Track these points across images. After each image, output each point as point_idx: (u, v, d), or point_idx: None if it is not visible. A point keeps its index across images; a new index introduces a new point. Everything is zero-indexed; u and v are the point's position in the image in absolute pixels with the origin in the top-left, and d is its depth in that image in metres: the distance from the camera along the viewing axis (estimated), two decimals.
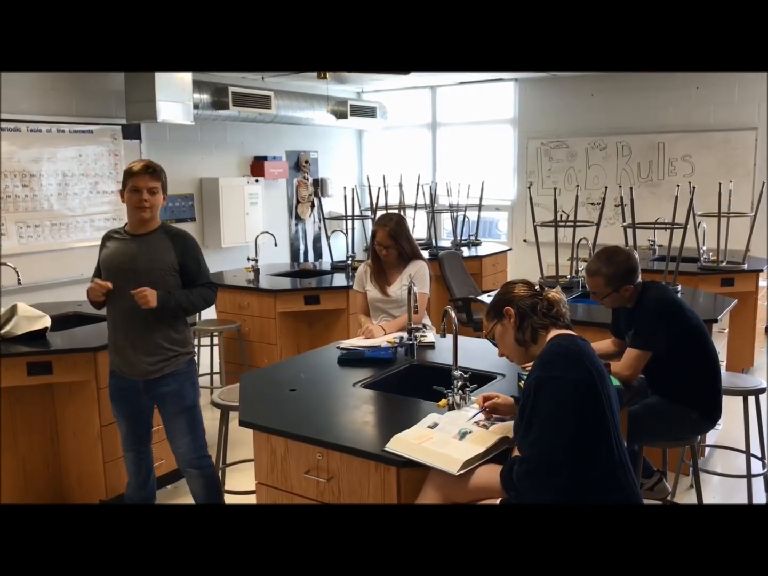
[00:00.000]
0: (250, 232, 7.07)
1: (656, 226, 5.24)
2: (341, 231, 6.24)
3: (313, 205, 8.57)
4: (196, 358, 3.18)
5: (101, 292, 2.83)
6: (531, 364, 2.09)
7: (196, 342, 5.03)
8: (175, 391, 2.92)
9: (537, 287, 2.19)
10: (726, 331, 4.42)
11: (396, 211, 5.28)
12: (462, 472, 2.02)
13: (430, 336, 3.42)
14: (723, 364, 3.92)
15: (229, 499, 3.37)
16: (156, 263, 2.86)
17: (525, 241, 7.94)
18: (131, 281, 2.79)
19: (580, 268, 4.65)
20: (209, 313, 3.23)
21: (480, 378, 2.74)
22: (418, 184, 6.94)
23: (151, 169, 2.84)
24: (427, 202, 6.91)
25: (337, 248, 6.69)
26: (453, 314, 2.67)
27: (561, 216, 5.18)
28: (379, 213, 4.64)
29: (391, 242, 3.64)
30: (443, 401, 2.47)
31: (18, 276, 3.89)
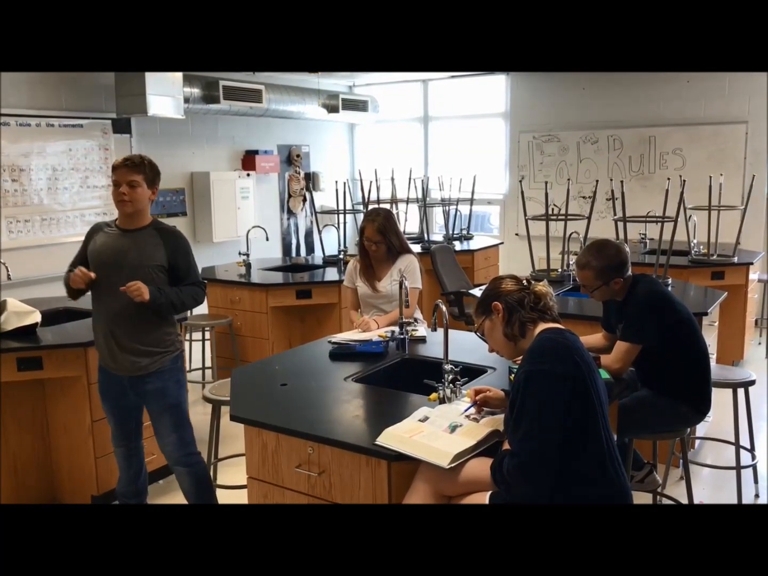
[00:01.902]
0: (241, 227, 7.05)
1: (647, 219, 5.26)
2: (333, 225, 6.24)
3: (304, 200, 8.55)
4: (186, 353, 3.17)
5: (84, 281, 2.79)
6: (521, 358, 2.10)
7: (187, 337, 5.03)
8: (158, 389, 2.91)
9: (524, 281, 2.20)
10: (716, 324, 4.44)
11: (386, 206, 5.28)
12: (452, 465, 2.02)
13: (422, 330, 3.43)
14: (713, 357, 3.94)
15: (220, 494, 3.37)
16: (145, 260, 2.82)
17: (517, 234, 7.95)
18: (119, 277, 2.76)
19: (571, 262, 4.66)
20: (201, 308, 3.22)
21: (471, 371, 2.75)
22: (410, 178, 6.93)
23: (130, 161, 2.76)
24: (419, 196, 6.89)
25: (329, 242, 6.68)
26: (444, 308, 2.67)
27: (552, 210, 5.19)
28: (371, 207, 4.63)
29: (379, 238, 3.64)
30: (434, 395, 2.48)
31: (8, 271, 3.87)
